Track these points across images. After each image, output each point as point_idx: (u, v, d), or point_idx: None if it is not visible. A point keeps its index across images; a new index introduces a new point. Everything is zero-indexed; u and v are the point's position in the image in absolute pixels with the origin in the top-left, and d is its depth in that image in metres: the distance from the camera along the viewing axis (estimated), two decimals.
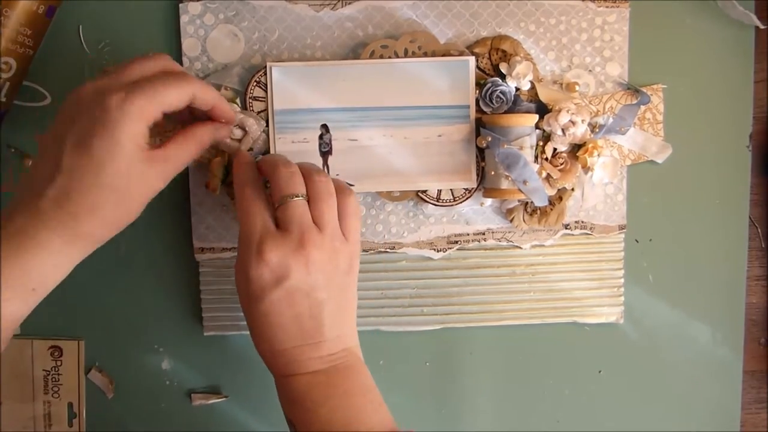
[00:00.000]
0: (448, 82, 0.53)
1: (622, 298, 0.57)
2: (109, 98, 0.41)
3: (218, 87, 0.53)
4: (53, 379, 0.56)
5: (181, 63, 0.53)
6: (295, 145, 0.53)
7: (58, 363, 0.56)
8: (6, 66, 0.50)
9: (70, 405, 0.56)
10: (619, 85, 0.55)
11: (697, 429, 0.59)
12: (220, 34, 0.53)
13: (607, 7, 0.54)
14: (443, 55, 0.53)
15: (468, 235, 0.56)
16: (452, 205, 0.55)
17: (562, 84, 0.55)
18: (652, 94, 0.55)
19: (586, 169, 0.54)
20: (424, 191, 0.54)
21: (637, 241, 0.57)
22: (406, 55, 0.53)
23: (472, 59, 0.53)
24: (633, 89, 0.55)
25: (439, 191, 0.55)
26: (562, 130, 0.53)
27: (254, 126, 0.52)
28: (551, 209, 0.55)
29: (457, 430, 0.59)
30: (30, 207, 0.41)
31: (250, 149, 0.52)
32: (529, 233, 0.56)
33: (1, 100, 0.51)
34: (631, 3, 0.54)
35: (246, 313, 0.46)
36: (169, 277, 0.56)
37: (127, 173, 0.41)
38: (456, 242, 0.56)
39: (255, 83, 0.53)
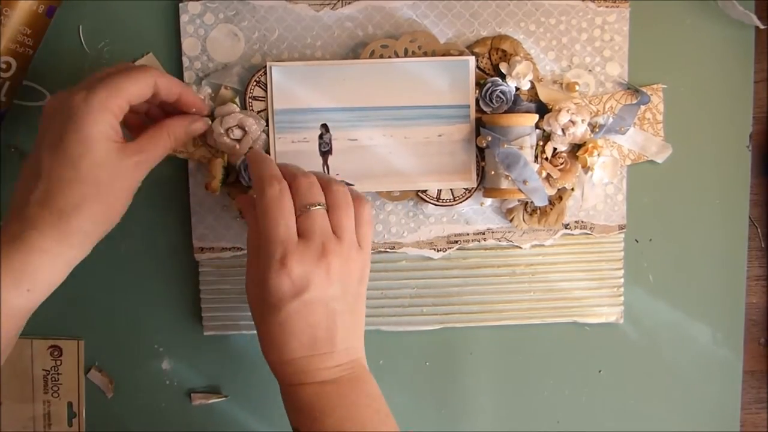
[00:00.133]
0: (448, 82, 0.53)
1: (622, 298, 0.57)
2: (73, 98, 0.43)
3: (218, 86, 0.53)
4: (53, 379, 0.56)
5: (181, 62, 0.53)
6: (295, 145, 0.53)
7: (58, 363, 0.56)
8: (6, 66, 0.50)
9: (70, 405, 0.56)
10: (619, 85, 0.55)
11: (697, 429, 0.59)
12: (220, 34, 0.53)
13: (607, 7, 0.54)
14: (443, 55, 0.53)
15: (468, 234, 0.56)
16: (452, 205, 0.55)
17: (562, 84, 0.55)
18: (652, 94, 0.55)
19: (586, 168, 0.54)
20: (424, 191, 0.54)
21: (637, 241, 0.57)
22: (406, 54, 0.53)
23: (472, 59, 0.53)
24: (633, 89, 0.55)
25: (439, 191, 0.55)
26: (562, 129, 0.53)
27: (254, 126, 0.52)
28: (551, 209, 0.55)
29: (457, 430, 0.59)
30: (19, 215, 0.43)
31: (250, 149, 0.52)
32: (529, 233, 0.56)
33: (1, 100, 0.51)
34: (631, 3, 0.54)
35: (259, 320, 0.46)
36: (169, 277, 0.56)
37: (103, 165, 0.43)
38: (456, 242, 0.56)
39: (255, 83, 0.53)
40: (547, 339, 0.58)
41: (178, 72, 0.53)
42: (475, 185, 0.54)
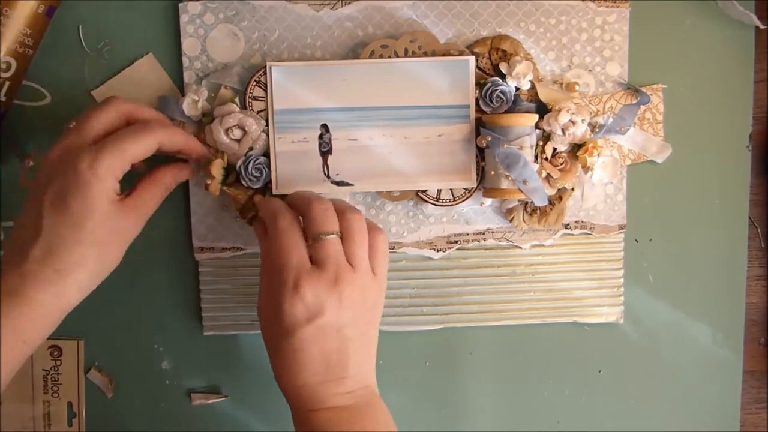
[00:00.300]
0: (448, 82, 0.53)
1: (622, 298, 0.57)
2: (80, 162, 0.43)
3: (218, 86, 0.53)
4: (53, 379, 0.56)
5: (180, 62, 0.53)
6: (295, 145, 0.53)
7: (58, 363, 0.56)
8: (6, 65, 0.50)
9: (70, 405, 0.56)
10: (619, 85, 0.55)
11: (697, 429, 0.59)
12: (220, 34, 0.53)
13: (607, 7, 0.54)
14: (443, 55, 0.53)
15: (468, 234, 0.56)
16: (452, 205, 0.55)
17: (562, 84, 0.55)
18: (652, 94, 0.55)
19: (586, 168, 0.54)
20: (424, 191, 0.54)
21: (637, 241, 0.57)
22: (406, 54, 0.53)
23: (472, 59, 0.53)
24: (633, 89, 0.55)
25: (439, 191, 0.55)
26: (562, 129, 0.53)
27: (254, 126, 0.52)
28: (551, 209, 0.55)
29: (457, 430, 0.59)
30: (18, 268, 0.43)
31: (250, 149, 0.52)
32: (528, 233, 0.56)
33: (1, 100, 0.51)
34: (631, 3, 0.54)
35: (272, 346, 0.46)
36: (169, 277, 0.56)
37: (104, 227, 0.44)
38: (456, 242, 0.56)
39: (255, 83, 0.53)
40: (547, 339, 0.58)
41: (178, 72, 0.53)
42: (475, 185, 0.54)
